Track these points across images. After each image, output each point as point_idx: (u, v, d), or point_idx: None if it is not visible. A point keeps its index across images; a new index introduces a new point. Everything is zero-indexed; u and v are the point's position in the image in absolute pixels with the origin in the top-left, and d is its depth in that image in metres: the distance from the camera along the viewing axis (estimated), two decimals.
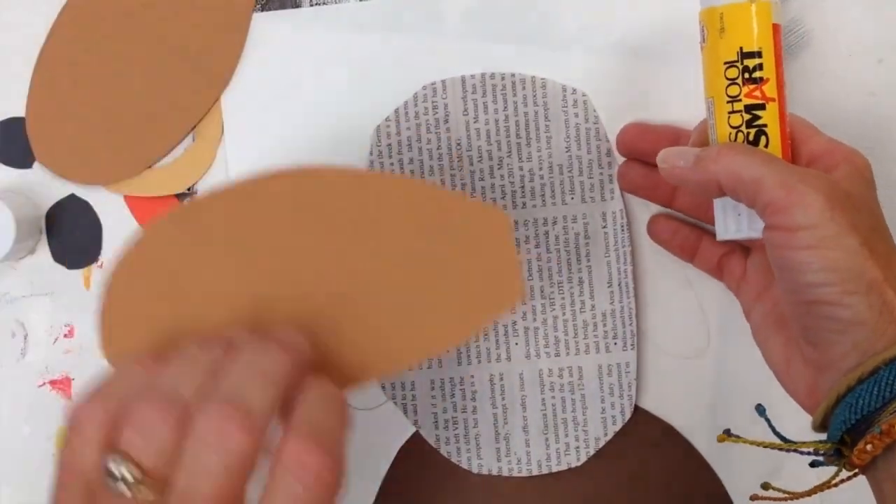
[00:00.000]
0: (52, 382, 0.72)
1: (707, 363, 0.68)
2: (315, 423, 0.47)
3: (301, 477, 0.44)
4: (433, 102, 0.68)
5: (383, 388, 0.69)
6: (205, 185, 0.71)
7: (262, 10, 0.70)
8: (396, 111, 0.69)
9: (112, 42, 0.70)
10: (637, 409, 0.68)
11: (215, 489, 0.43)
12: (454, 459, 0.68)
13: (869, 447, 0.50)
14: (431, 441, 0.69)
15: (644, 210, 0.68)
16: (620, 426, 0.68)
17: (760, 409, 0.59)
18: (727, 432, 0.59)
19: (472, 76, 0.68)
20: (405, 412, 0.69)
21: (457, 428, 0.68)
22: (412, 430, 0.69)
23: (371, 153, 0.69)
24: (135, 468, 0.44)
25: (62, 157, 0.71)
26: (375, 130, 0.69)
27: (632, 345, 0.67)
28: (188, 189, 0.71)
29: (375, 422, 0.69)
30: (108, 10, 0.70)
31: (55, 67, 0.71)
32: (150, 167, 0.71)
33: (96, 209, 0.72)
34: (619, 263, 0.67)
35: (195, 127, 0.71)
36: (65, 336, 0.72)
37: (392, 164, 0.68)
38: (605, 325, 0.68)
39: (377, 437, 0.69)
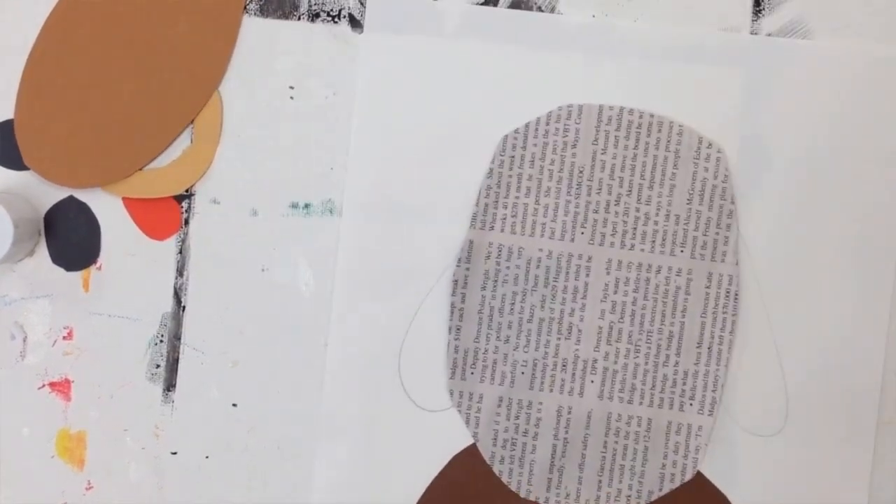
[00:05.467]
0: (52, 384, 0.72)
1: (779, 444, 0.67)
2: None
3: None
4: (566, 125, 0.67)
5: (451, 393, 0.68)
6: (203, 187, 0.71)
7: (260, 14, 0.70)
8: (528, 125, 0.68)
9: (100, 44, 0.70)
10: (697, 473, 0.67)
11: None
12: (504, 479, 0.68)
13: None
14: (486, 456, 0.68)
15: (753, 285, 0.67)
16: (678, 485, 0.67)
17: None
18: None
19: (611, 107, 0.67)
20: (467, 422, 0.68)
21: (514, 449, 0.68)
22: (469, 441, 0.68)
23: (493, 161, 0.67)
24: None
25: (50, 160, 0.70)
26: (503, 139, 0.67)
27: (709, 411, 0.67)
28: (186, 190, 0.70)
29: (435, 425, 0.69)
30: (95, 12, 0.70)
31: (43, 71, 0.70)
32: (140, 169, 0.70)
33: (95, 211, 0.71)
34: (716, 328, 0.67)
35: (193, 129, 0.70)
36: (64, 338, 0.71)
37: (511, 176, 0.67)
38: (684, 384, 0.67)
39: (434, 440, 0.69)
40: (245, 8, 0.70)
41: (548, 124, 0.67)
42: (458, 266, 0.68)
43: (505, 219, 0.68)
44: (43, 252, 0.71)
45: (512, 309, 0.68)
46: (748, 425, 0.67)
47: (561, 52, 0.68)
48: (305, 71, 0.70)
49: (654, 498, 0.67)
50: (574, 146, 0.67)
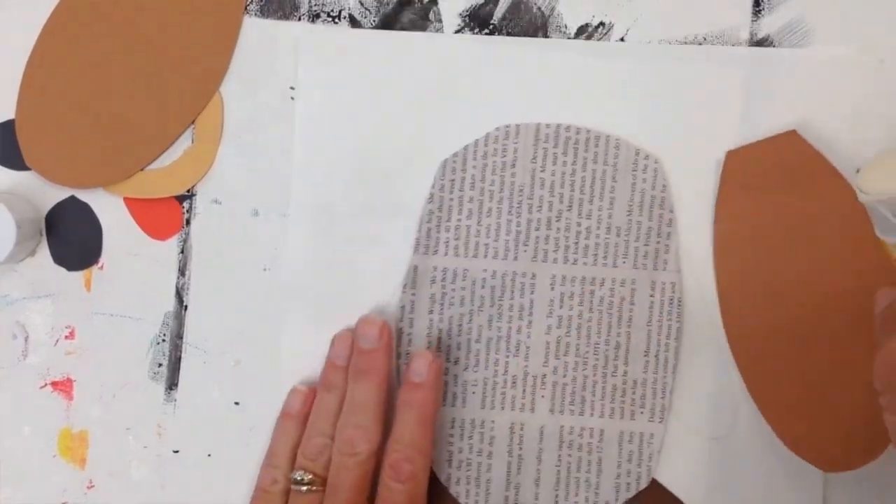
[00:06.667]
0: (54, 384, 0.72)
1: (731, 445, 0.68)
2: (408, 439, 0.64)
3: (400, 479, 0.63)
4: (504, 145, 0.67)
5: None
6: (204, 187, 0.71)
7: (260, 14, 0.71)
8: (466, 148, 0.68)
9: (102, 44, 0.70)
10: (652, 481, 0.68)
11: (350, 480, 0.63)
12: (461, 500, 0.69)
13: None
14: (442, 478, 0.69)
15: (697, 289, 0.67)
16: (633, 494, 0.68)
17: None
18: None
19: (548, 125, 0.67)
20: None
21: (469, 469, 0.69)
22: None
23: (434, 186, 0.68)
24: (308, 475, 0.65)
25: (52, 161, 0.71)
26: (442, 164, 0.68)
27: (660, 418, 0.67)
28: (188, 190, 0.71)
29: None
30: (96, 13, 0.70)
31: (44, 71, 0.70)
32: (141, 169, 0.71)
33: (96, 211, 0.72)
34: (661, 336, 0.67)
35: (194, 129, 0.71)
36: (66, 338, 0.72)
37: (452, 199, 0.68)
38: (633, 393, 0.67)
39: None
40: (245, 8, 0.71)
41: (486, 145, 0.68)
42: (403, 292, 0.69)
43: (448, 242, 0.68)
44: (44, 252, 0.72)
45: (460, 330, 0.68)
46: (700, 428, 0.67)
47: (559, 52, 0.69)
48: None
49: None
50: (513, 165, 0.67)
